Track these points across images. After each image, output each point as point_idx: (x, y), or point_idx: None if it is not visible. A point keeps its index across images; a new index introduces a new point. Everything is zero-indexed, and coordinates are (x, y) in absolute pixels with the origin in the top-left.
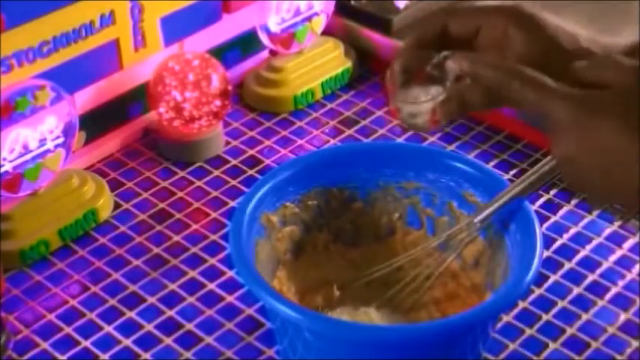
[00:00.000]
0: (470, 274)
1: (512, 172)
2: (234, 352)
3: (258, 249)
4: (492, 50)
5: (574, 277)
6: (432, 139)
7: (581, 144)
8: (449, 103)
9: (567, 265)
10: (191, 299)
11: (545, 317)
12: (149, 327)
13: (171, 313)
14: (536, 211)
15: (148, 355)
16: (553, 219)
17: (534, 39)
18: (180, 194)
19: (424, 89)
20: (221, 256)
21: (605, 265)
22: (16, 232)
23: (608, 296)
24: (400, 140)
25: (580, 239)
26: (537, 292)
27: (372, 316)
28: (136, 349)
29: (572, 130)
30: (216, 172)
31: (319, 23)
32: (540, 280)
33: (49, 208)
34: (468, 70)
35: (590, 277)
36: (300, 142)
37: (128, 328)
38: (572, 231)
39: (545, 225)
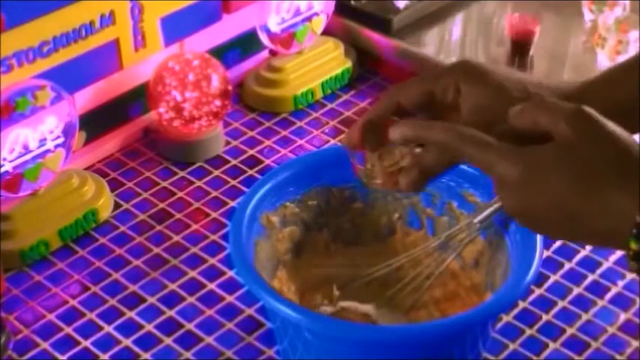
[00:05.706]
0: (470, 274)
1: None
2: (234, 352)
3: (258, 249)
4: (449, 111)
5: (574, 277)
6: None
7: (532, 200)
8: (410, 172)
9: (567, 265)
10: (191, 299)
11: (545, 317)
12: (149, 327)
13: (171, 313)
14: None
15: (148, 355)
16: None
17: (483, 90)
18: (180, 194)
19: (387, 151)
20: (221, 256)
21: (605, 265)
22: (16, 232)
23: (608, 296)
24: None
25: None
26: (537, 292)
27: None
28: (136, 349)
29: (519, 188)
30: (216, 172)
31: (319, 23)
32: (540, 280)
33: (49, 208)
34: (411, 137)
35: (590, 277)
36: (300, 142)
37: (128, 328)
38: None
39: None
